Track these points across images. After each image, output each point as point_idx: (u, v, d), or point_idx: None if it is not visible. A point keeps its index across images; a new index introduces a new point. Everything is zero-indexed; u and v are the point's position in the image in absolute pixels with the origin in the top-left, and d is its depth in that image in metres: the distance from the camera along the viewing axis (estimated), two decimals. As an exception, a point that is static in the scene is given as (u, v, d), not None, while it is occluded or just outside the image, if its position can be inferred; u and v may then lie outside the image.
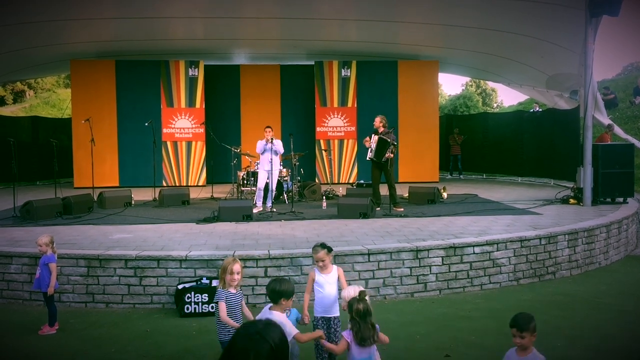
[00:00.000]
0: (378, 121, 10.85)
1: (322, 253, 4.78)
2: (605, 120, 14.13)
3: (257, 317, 4.00)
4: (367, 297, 3.96)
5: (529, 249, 8.04)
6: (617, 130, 14.68)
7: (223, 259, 6.89)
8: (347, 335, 3.90)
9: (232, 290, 4.58)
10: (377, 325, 3.93)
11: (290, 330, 3.99)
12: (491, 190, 14.49)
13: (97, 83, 15.98)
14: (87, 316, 6.59)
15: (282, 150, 11.15)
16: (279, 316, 4.07)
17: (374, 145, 10.70)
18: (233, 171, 13.36)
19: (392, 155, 10.66)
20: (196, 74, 16.32)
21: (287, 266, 7.03)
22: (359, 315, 3.85)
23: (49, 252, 6.05)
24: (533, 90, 17.39)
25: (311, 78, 17.00)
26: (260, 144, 11.02)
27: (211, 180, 15.40)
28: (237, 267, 4.58)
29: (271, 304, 4.24)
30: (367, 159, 10.96)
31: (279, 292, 4.14)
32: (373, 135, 10.83)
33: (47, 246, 6.05)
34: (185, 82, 16.28)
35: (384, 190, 11.01)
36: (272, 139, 10.86)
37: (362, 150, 16.18)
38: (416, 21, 13.93)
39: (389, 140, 10.55)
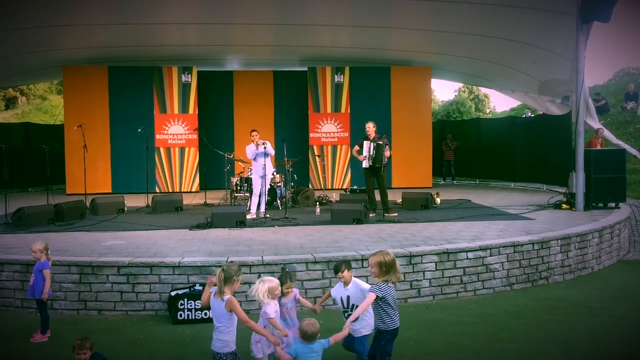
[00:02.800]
0: (372, 127, 10.80)
1: None
2: (597, 125, 14.21)
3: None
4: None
5: (522, 254, 8.06)
6: (609, 135, 14.75)
7: (217, 265, 6.91)
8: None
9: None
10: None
11: None
12: (484, 196, 14.54)
13: (90, 89, 15.94)
14: (80, 323, 6.54)
15: (272, 152, 11.07)
16: None
17: (373, 152, 10.61)
18: (226, 177, 13.35)
19: (389, 154, 10.64)
20: (189, 80, 16.31)
21: (280, 272, 7.00)
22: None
23: (43, 259, 6.02)
24: (525, 96, 17.48)
25: (304, 84, 17.04)
26: (250, 150, 10.84)
27: (204, 186, 15.35)
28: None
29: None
30: (366, 166, 10.78)
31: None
32: (365, 142, 10.76)
33: (42, 253, 6.01)
34: (178, 88, 16.27)
35: (377, 196, 11.02)
36: (263, 142, 10.77)
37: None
38: (409, 27, 13.98)
39: (381, 143, 10.55)
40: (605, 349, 5.54)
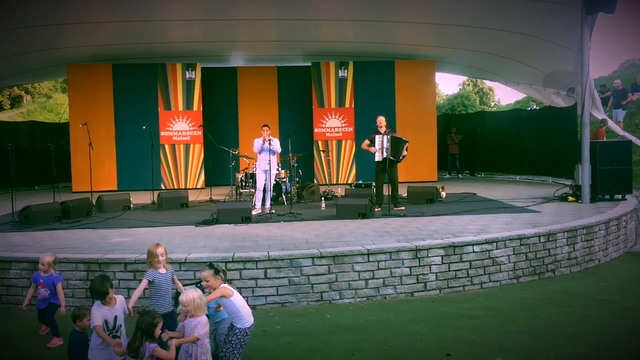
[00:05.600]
0: (384, 121, 10.85)
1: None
2: (601, 117, 14.16)
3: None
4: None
5: (528, 247, 8.04)
6: (615, 127, 14.71)
7: (223, 261, 6.93)
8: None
9: (162, 271, 5.30)
10: (152, 345, 4.12)
11: (94, 320, 4.53)
12: (490, 189, 14.50)
13: (95, 87, 15.97)
14: (87, 320, 6.56)
15: (279, 150, 11.11)
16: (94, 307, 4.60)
17: (387, 145, 10.63)
18: (231, 173, 13.38)
19: (405, 154, 10.68)
20: (193, 76, 16.31)
21: (286, 267, 7.03)
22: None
23: (50, 272, 5.92)
24: (530, 89, 17.42)
25: (308, 79, 17.01)
26: (257, 143, 10.91)
27: (210, 182, 15.40)
28: (161, 250, 5.32)
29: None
30: (379, 159, 10.82)
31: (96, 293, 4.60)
32: (377, 136, 10.79)
33: (49, 266, 5.91)
34: (183, 84, 16.28)
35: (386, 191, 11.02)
36: (270, 138, 10.82)
37: (360, 150, 16.20)
38: (412, 21, 13.94)
39: (403, 138, 10.59)
40: (616, 341, 5.51)
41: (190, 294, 4.43)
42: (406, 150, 10.74)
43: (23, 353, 5.61)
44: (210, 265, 4.89)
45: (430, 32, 15.06)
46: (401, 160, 10.74)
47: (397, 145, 10.62)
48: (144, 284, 5.23)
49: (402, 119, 16.53)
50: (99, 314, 4.53)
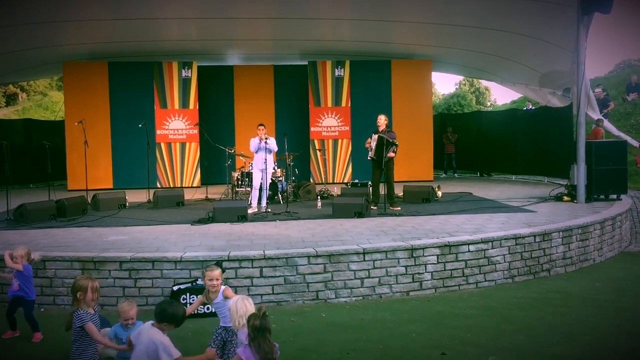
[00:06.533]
0: (384, 119, 10.89)
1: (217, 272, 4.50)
2: (597, 117, 14.19)
3: (137, 332, 4.00)
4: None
5: (523, 246, 8.06)
6: (611, 127, 14.74)
7: (219, 260, 6.92)
8: (242, 352, 3.57)
9: (91, 311, 4.40)
10: (276, 344, 3.67)
11: (173, 353, 3.86)
12: (485, 189, 14.53)
13: (90, 85, 15.93)
14: (82, 319, 6.54)
15: (275, 148, 11.10)
16: (160, 336, 3.92)
17: (374, 144, 10.70)
18: (227, 172, 13.35)
19: (394, 155, 10.68)
20: (189, 75, 16.29)
21: (282, 266, 7.02)
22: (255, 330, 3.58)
23: (24, 263, 5.95)
24: (526, 89, 17.45)
25: (305, 78, 17.00)
26: (254, 143, 10.90)
27: (205, 181, 15.36)
28: (97, 284, 4.44)
29: (154, 321, 3.99)
30: (369, 158, 10.97)
31: (168, 316, 3.96)
32: (373, 134, 10.85)
33: (23, 258, 5.94)
34: (179, 83, 16.25)
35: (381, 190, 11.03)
36: (266, 137, 10.81)
37: (356, 149, 16.23)
38: (409, 20, 13.94)
39: (389, 139, 10.58)
40: (610, 342, 5.52)
41: (234, 307, 3.96)
42: (393, 152, 10.69)
43: (23, 353, 5.59)
44: (219, 264, 4.63)
45: (427, 32, 15.07)
46: (385, 160, 10.70)
47: (381, 146, 10.63)
48: (95, 330, 4.29)
49: (399, 118, 16.53)
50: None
